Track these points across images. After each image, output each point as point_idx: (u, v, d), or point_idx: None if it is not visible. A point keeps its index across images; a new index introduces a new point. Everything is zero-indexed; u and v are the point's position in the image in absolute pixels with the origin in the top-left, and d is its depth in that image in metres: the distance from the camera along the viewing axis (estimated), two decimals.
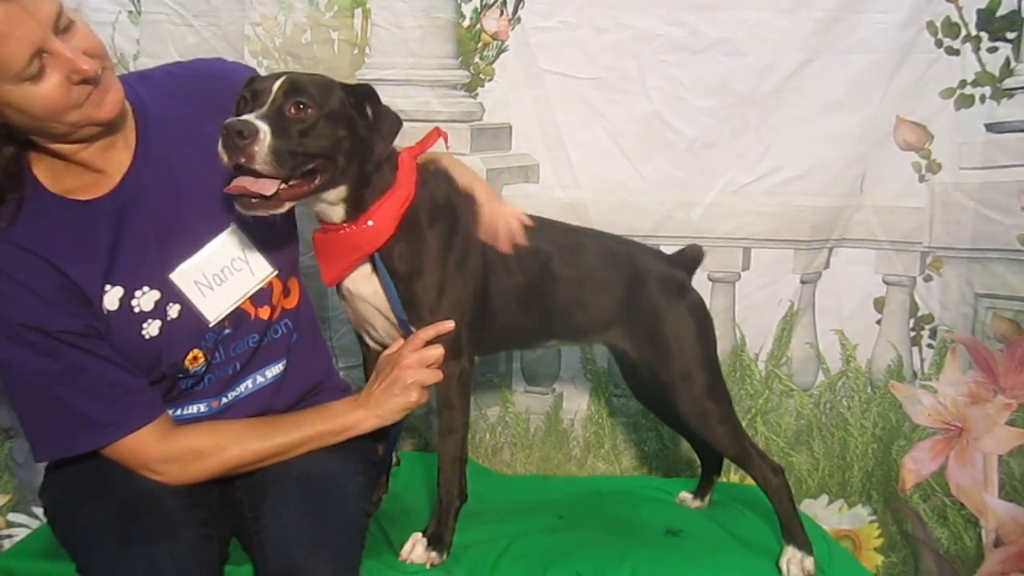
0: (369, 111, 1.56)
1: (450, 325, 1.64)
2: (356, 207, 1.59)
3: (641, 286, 1.83)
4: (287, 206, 1.50)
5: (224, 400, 1.70)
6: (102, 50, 1.45)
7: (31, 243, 1.47)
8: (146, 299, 1.56)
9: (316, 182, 1.51)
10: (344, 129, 1.52)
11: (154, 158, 1.56)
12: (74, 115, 1.42)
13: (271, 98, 1.47)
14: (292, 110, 1.47)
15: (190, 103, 1.61)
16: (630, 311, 1.83)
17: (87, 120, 1.44)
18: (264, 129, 1.41)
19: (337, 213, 1.60)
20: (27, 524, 2.41)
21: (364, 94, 1.56)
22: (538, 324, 1.83)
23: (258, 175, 1.43)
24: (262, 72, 1.75)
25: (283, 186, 1.46)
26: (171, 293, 1.58)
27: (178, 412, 1.66)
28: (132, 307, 1.54)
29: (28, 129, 1.44)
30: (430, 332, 1.63)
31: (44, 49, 1.35)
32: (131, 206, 1.54)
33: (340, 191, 1.57)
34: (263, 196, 1.44)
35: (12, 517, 2.43)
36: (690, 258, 1.92)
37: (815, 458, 2.48)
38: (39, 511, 2.36)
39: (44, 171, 1.51)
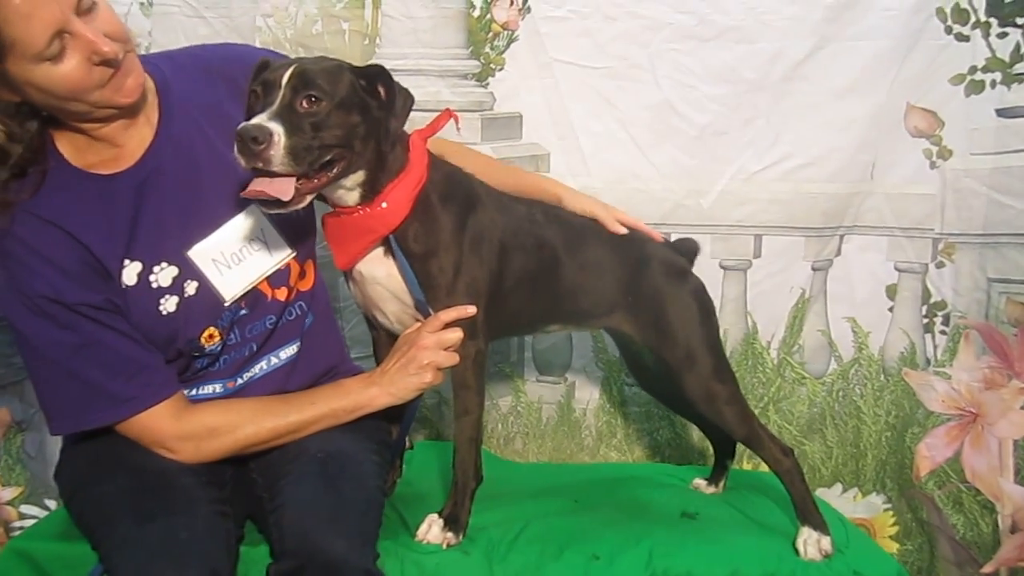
0: (382, 91, 1.54)
1: (472, 310, 1.63)
2: (372, 190, 1.58)
3: (644, 271, 1.84)
4: (308, 200, 1.49)
5: (239, 381, 1.70)
6: (124, 34, 1.46)
7: (53, 216, 1.48)
8: (164, 275, 1.56)
9: (334, 171, 1.50)
10: (358, 114, 1.50)
11: (175, 136, 1.57)
12: (95, 95, 1.43)
13: (281, 94, 1.45)
14: (304, 104, 1.45)
15: (213, 84, 1.63)
16: (633, 295, 1.83)
17: (107, 102, 1.45)
18: (278, 131, 1.40)
19: (352, 197, 1.58)
20: (39, 516, 2.40)
21: (376, 75, 1.54)
22: (543, 308, 1.83)
23: (276, 174, 1.42)
24: None
25: (302, 181, 1.46)
26: (189, 270, 1.59)
27: (193, 392, 1.67)
28: (150, 282, 1.55)
29: (49, 108, 1.45)
30: (451, 314, 1.62)
31: (65, 30, 1.36)
32: (151, 182, 1.55)
33: (358, 176, 1.56)
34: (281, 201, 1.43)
35: (24, 509, 2.43)
36: (686, 251, 1.95)
37: (828, 446, 2.47)
38: (51, 503, 2.37)
39: (67, 145, 1.52)
